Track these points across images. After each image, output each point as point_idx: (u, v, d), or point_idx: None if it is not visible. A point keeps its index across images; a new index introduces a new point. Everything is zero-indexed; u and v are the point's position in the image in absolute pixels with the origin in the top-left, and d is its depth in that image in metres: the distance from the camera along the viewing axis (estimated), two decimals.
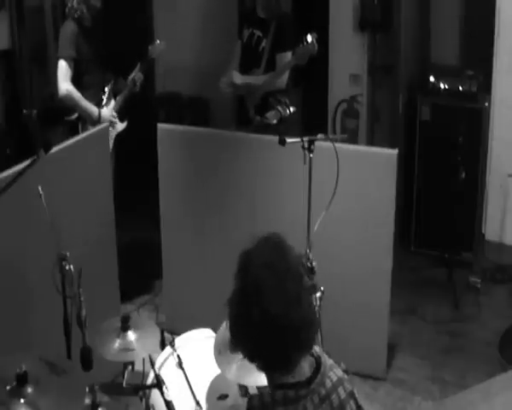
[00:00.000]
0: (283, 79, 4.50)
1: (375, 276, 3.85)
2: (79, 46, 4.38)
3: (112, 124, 4.51)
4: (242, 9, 5.89)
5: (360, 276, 3.86)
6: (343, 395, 1.86)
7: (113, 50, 4.70)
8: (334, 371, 1.89)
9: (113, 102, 4.60)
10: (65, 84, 4.34)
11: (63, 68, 4.33)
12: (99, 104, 4.52)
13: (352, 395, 1.89)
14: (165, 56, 6.58)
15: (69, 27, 4.38)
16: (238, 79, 4.62)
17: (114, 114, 4.59)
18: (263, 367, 1.82)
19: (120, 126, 4.67)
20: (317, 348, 1.89)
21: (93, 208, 3.74)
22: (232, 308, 1.81)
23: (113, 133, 4.57)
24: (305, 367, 1.83)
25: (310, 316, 1.81)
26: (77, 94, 4.37)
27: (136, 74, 4.61)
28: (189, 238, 4.27)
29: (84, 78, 4.45)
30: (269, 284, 1.75)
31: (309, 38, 4.13)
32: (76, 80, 4.39)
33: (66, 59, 4.33)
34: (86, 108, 4.42)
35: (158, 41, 4.64)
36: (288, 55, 4.41)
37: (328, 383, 1.84)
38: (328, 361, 1.90)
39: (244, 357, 1.83)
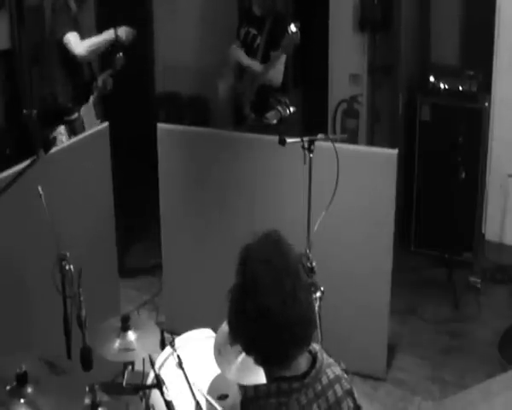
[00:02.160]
0: (278, 76, 4.51)
1: (375, 276, 3.85)
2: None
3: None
4: (241, 9, 5.90)
5: (360, 276, 3.86)
6: (340, 392, 1.87)
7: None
8: (331, 369, 1.90)
9: (92, 99, 4.72)
10: (80, 47, 4.43)
11: (72, 38, 4.42)
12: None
13: (349, 393, 1.90)
14: (165, 56, 6.62)
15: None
16: (244, 58, 4.64)
17: (93, 110, 4.71)
18: (260, 361, 1.84)
19: (95, 123, 4.72)
20: (316, 346, 1.90)
21: (93, 208, 3.74)
22: (231, 303, 1.83)
23: (89, 128, 4.64)
24: (302, 363, 1.85)
25: (307, 313, 1.82)
26: (91, 40, 4.48)
27: (105, 78, 4.74)
28: (189, 238, 4.27)
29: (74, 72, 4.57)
30: (266, 280, 1.76)
31: (292, 28, 4.16)
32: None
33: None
34: (105, 39, 4.52)
35: (118, 55, 4.72)
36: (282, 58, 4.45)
37: (325, 380, 1.85)
38: (326, 359, 1.91)
39: (242, 350, 1.85)
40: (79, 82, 4.62)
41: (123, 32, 4.54)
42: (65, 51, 4.47)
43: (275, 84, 4.51)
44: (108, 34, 4.51)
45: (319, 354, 1.88)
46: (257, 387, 1.83)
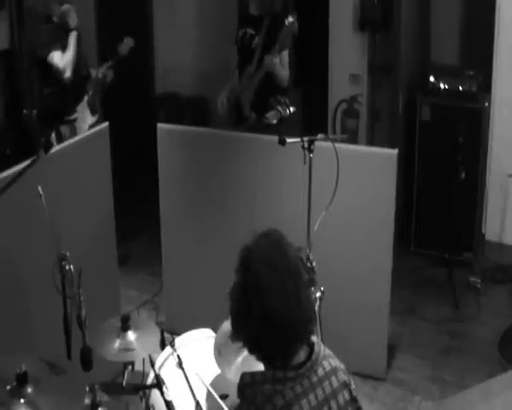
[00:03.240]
0: (285, 76, 4.49)
1: (375, 276, 3.85)
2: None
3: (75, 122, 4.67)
4: (240, 10, 5.89)
5: (360, 276, 3.86)
6: (336, 384, 1.89)
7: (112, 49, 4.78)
8: (328, 361, 1.92)
9: (86, 97, 4.75)
10: (66, 71, 4.51)
11: (56, 60, 4.49)
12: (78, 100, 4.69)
13: (345, 385, 1.92)
14: (165, 57, 6.63)
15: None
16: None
17: (87, 107, 4.74)
18: (262, 359, 1.87)
19: (91, 119, 4.77)
20: (314, 338, 1.92)
21: (93, 208, 3.74)
22: (233, 303, 1.84)
23: (85, 125, 4.70)
24: (300, 354, 1.87)
25: (308, 311, 1.85)
26: (66, 55, 4.52)
27: (104, 70, 4.77)
28: (189, 238, 4.27)
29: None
30: (268, 282, 1.78)
31: (290, 18, 4.13)
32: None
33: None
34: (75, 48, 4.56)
35: (125, 39, 4.74)
36: (284, 55, 4.43)
37: (321, 372, 1.88)
38: (323, 351, 1.93)
39: (244, 347, 1.88)
40: (67, 83, 4.62)
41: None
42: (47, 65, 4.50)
43: (284, 84, 4.49)
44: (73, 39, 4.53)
45: (316, 346, 1.90)
46: (253, 374, 1.86)
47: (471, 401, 3.27)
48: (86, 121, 4.72)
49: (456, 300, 4.68)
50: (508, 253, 5.12)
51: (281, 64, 4.43)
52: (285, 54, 4.46)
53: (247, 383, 1.85)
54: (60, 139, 4.49)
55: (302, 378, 1.83)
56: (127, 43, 4.72)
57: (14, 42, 5.45)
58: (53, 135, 4.53)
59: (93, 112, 4.77)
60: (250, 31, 4.58)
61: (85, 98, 4.71)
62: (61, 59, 4.47)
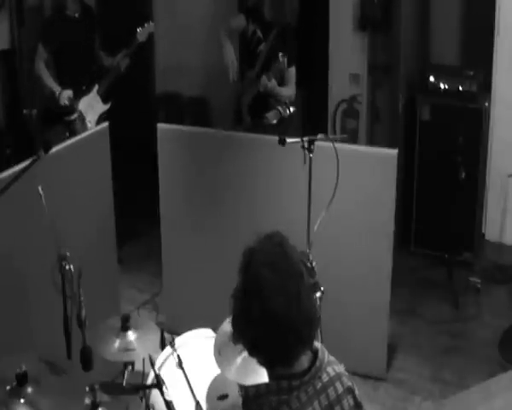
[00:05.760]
0: (289, 93, 4.48)
1: (375, 276, 3.85)
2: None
3: (82, 118, 4.70)
4: (248, 4, 5.84)
5: (360, 276, 3.86)
6: (340, 389, 1.88)
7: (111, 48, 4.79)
8: (332, 367, 1.91)
9: (96, 88, 4.75)
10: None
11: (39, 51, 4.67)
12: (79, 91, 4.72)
13: (350, 391, 1.91)
14: (165, 56, 6.62)
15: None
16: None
17: (97, 97, 4.74)
18: (263, 362, 1.85)
19: (102, 108, 4.77)
20: (317, 344, 1.91)
21: (93, 208, 3.75)
22: (235, 304, 1.83)
23: (95, 116, 4.73)
24: (304, 361, 1.85)
25: (311, 314, 1.82)
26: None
27: (121, 58, 4.74)
28: (189, 238, 4.27)
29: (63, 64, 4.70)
30: (270, 283, 1.76)
31: (280, 57, 4.22)
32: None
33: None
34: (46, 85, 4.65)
35: (146, 25, 4.64)
36: (292, 72, 4.44)
37: (325, 377, 1.86)
38: (327, 357, 1.92)
39: (246, 350, 1.86)
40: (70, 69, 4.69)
41: None
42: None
43: (287, 100, 4.49)
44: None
45: (320, 353, 1.89)
46: (258, 386, 1.85)
47: (471, 401, 3.27)
48: (97, 111, 4.73)
49: (456, 300, 4.68)
50: (508, 253, 5.12)
51: (286, 81, 4.44)
52: (292, 71, 4.46)
53: (252, 396, 1.84)
54: (74, 133, 4.52)
55: (307, 386, 1.82)
56: (147, 29, 4.62)
57: (14, 42, 5.45)
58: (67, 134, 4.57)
59: (105, 101, 4.77)
60: (259, 32, 4.54)
61: (94, 89, 4.71)
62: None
